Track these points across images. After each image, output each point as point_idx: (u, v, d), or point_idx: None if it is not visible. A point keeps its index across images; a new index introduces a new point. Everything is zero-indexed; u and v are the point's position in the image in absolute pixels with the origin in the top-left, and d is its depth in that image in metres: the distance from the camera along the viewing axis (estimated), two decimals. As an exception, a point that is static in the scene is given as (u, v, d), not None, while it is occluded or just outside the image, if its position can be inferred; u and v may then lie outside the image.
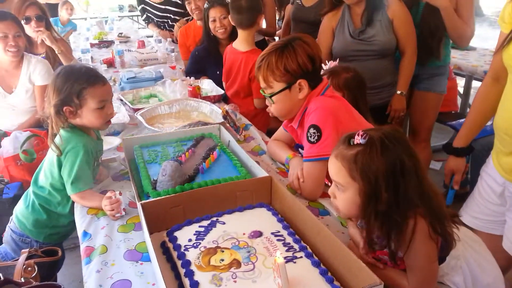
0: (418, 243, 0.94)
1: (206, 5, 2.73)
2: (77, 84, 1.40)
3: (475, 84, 3.72)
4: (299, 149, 1.62)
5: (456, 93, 3.71)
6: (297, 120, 1.50)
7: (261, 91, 1.52)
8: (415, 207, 0.94)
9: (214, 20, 2.67)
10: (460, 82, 3.84)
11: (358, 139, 0.95)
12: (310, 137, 1.39)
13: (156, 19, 3.98)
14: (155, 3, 3.89)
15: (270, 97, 1.45)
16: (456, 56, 3.68)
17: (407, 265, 0.99)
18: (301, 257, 1.03)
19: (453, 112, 3.57)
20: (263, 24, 3.30)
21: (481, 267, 1.05)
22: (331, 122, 1.36)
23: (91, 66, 3.11)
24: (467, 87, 3.73)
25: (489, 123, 2.38)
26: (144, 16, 4.04)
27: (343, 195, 1.00)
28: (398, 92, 2.32)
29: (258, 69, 1.45)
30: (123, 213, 1.35)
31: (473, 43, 4.43)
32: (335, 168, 1.00)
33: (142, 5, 3.98)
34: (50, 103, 1.41)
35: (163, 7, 3.84)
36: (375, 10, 2.19)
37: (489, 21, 8.47)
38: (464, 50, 3.88)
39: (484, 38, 6.81)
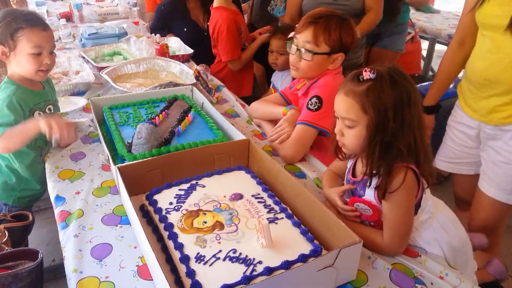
0: (403, 193, 0.98)
1: None
2: (14, 23, 1.33)
3: (438, 47, 3.82)
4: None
5: (420, 56, 3.80)
6: (305, 87, 1.52)
7: (291, 43, 1.48)
8: (414, 143, 0.99)
9: None
10: (424, 46, 3.92)
11: (367, 75, 1.00)
12: (311, 105, 1.44)
13: None
14: None
15: (312, 54, 1.43)
16: (421, 19, 3.74)
17: (385, 217, 1.03)
18: (282, 218, 1.05)
19: (416, 75, 3.67)
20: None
21: (450, 230, 1.12)
22: (333, 102, 1.38)
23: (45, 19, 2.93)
24: (430, 50, 3.82)
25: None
26: None
27: (352, 131, 1.03)
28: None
29: (311, 23, 1.43)
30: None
31: (437, 5, 4.53)
32: (346, 104, 1.03)
33: None
34: None
35: None
36: None
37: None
38: (428, 12, 3.95)
39: (447, 1, 6.94)
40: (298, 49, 1.46)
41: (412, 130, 0.98)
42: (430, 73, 3.94)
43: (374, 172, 1.00)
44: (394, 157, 0.98)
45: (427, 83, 2.90)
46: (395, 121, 0.97)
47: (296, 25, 1.50)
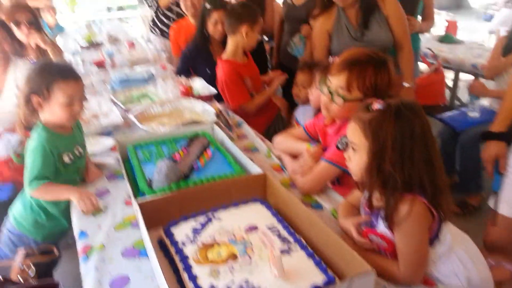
0: (412, 224, 0.98)
1: (207, 6, 2.71)
2: (50, 75, 1.44)
3: (463, 76, 3.79)
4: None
5: (444, 86, 3.77)
6: (336, 126, 1.50)
7: (325, 87, 1.43)
8: (418, 180, 0.98)
9: (216, 23, 2.68)
10: (449, 75, 3.90)
11: (376, 105, 1.04)
12: (340, 144, 1.40)
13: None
14: None
15: (344, 100, 1.38)
16: (443, 50, 3.74)
17: (398, 248, 1.02)
18: (296, 249, 1.05)
19: (441, 105, 3.63)
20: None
21: (470, 265, 1.08)
22: None
23: (77, 67, 3.13)
24: (455, 80, 3.79)
25: (472, 114, 2.44)
26: None
27: (356, 156, 1.08)
28: (407, 84, 2.34)
29: (346, 68, 1.37)
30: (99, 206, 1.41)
31: (460, 36, 4.52)
32: (352, 129, 1.09)
33: None
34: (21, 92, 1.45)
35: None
36: (370, 10, 2.20)
37: (477, 14, 8.56)
38: (451, 43, 3.94)
39: (472, 31, 6.89)
40: (330, 92, 1.41)
41: (414, 163, 0.98)
42: (457, 102, 3.89)
43: (374, 201, 1.01)
44: (393, 187, 0.98)
45: (452, 112, 2.87)
46: (394, 151, 0.98)
47: (332, 64, 1.47)
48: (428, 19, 2.77)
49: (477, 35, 6.29)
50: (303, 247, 1.06)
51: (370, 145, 1.02)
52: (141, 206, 1.19)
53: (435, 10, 3.02)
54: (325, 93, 1.44)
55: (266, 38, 3.75)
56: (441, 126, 2.82)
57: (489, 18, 6.99)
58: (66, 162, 1.51)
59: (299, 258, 1.02)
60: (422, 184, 0.99)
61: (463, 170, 2.64)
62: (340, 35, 2.27)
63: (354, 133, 1.07)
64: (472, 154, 2.41)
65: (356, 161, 1.08)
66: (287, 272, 0.95)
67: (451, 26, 4.30)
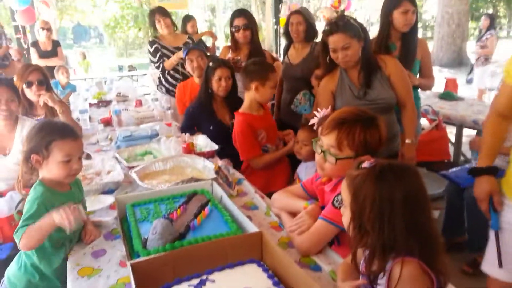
0: (406, 287, 0.95)
1: (211, 64, 2.85)
2: (48, 135, 1.48)
3: (466, 132, 3.81)
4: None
5: (447, 142, 3.79)
6: (332, 184, 1.51)
7: (318, 147, 1.48)
8: (402, 245, 0.97)
9: (220, 79, 2.80)
10: (453, 131, 3.92)
11: (365, 164, 1.06)
12: (336, 202, 1.41)
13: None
14: (169, 46, 3.88)
15: (336, 159, 1.42)
16: (444, 107, 3.80)
17: None
18: (291, 314, 1.02)
19: (446, 161, 3.63)
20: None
21: None
22: None
23: (84, 124, 3.21)
24: (458, 136, 3.81)
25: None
26: (158, 54, 3.87)
27: (346, 211, 1.10)
28: (408, 141, 2.37)
29: (335, 128, 1.42)
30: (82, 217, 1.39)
31: (462, 91, 4.61)
32: (343, 184, 1.12)
33: (156, 45, 3.88)
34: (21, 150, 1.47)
35: (177, 51, 3.80)
36: (372, 71, 2.27)
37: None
38: (452, 100, 4.01)
39: (472, 87, 7.03)
40: (322, 151, 1.46)
41: (395, 227, 0.97)
42: (462, 158, 3.87)
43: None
44: (374, 249, 0.98)
45: (456, 168, 2.85)
46: (372, 213, 0.99)
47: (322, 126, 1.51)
48: (428, 77, 2.84)
49: (475, 92, 6.40)
50: (298, 312, 1.02)
51: (351, 203, 1.04)
52: (134, 267, 1.17)
53: (438, 67, 3.11)
54: (318, 152, 1.47)
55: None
56: (447, 183, 2.79)
57: (471, 81, 7.19)
58: None
59: (294, 325, 0.98)
60: (410, 248, 0.97)
61: (471, 227, 2.57)
62: (344, 94, 2.34)
63: (343, 189, 1.10)
64: (479, 210, 2.36)
65: (345, 217, 1.10)
66: None
67: (451, 84, 4.40)
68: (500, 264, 1.31)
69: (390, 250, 0.98)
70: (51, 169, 1.49)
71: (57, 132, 1.50)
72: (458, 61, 11.46)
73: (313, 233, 1.44)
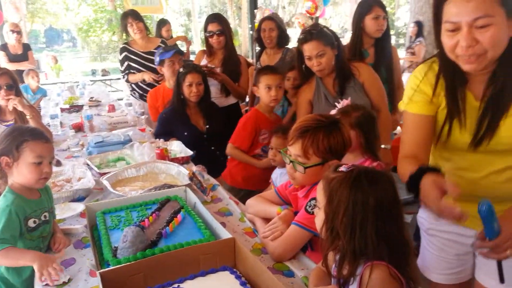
0: None
1: (181, 70, 2.84)
2: (20, 136, 1.46)
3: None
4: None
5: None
6: (305, 190, 1.51)
7: (286, 157, 1.48)
8: (372, 251, 0.98)
9: (191, 85, 2.77)
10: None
11: (342, 168, 1.07)
12: (309, 207, 1.42)
13: (139, 67, 3.82)
14: (140, 51, 3.84)
15: (304, 168, 1.42)
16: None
17: None
18: (263, 321, 1.01)
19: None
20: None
21: None
22: None
23: (55, 130, 3.13)
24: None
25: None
26: (125, 65, 3.83)
27: (319, 213, 1.11)
28: (384, 146, 2.41)
29: (299, 137, 1.43)
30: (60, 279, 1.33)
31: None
32: (319, 186, 1.12)
33: (125, 53, 3.83)
34: None
35: (148, 56, 3.79)
36: (346, 78, 2.31)
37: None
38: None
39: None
40: (291, 161, 1.47)
41: (366, 233, 0.98)
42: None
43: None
44: (344, 253, 1.00)
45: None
46: (345, 217, 1.00)
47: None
48: (398, 85, 2.90)
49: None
50: (270, 319, 1.02)
51: (325, 205, 1.05)
52: (104, 276, 1.14)
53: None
54: (287, 162, 1.49)
55: (244, 102, 3.86)
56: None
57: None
58: (31, 227, 1.47)
59: (266, 332, 0.98)
60: (380, 253, 0.98)
61: None
62: (320, 103, 2.37)
63: (319, 191, 1.10)
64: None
65: (319, 219, 1.10)
66: None
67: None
68: (502, 280, 1.21)
69: (361, 255, 0.99)
70: (22, 171, 1.45)
71: (28, 134, 1.47)
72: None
73: (287, 239, 1.44)
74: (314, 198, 1.41)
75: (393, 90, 2.78)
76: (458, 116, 1.28)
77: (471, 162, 1.32)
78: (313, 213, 1.39)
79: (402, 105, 1.39)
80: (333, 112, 2.01)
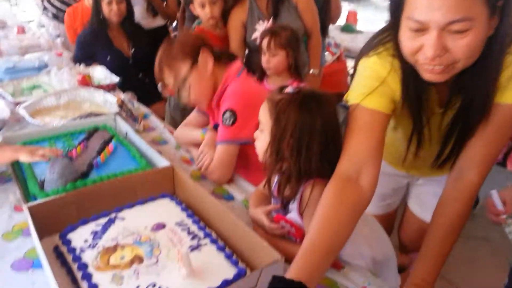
0: (314, 207, 0.99)
1: None
2: None
3: (363, 64, 4.01)
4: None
5: (346, 74, 3.97)
6: (215, 99, 1.48)
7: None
8: (315, 171, 1.01)
9: (110, 3, 2.51)
10: (350, 64, 4.11)
11: (288, 89, 1.04)
12: (226, 120, 1.41)
13: None
14: None
15: (183, 83, 1.43)
16: (345, 39, 3.94)
17: (306, 231, 1.03)
18: (206, 243, 1.02)
19: (344, 92, 3.82)
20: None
21: (375, 245, 1.13)
22: (248, 106, 1.38)
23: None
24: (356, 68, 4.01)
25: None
26: None
27: (262, 135, 1.08)
28: (313, 71, 2.41)
29: (159, 72, 1.47)
30: None
31: (360, 26, 4.80)
32: (262, 107, 1.08)
33: None
34: None
35: None
36: (279, 0, 2.23)
37: (375, 5, 9.21)
38: (352, 33, 4.16)
39: (371, 21, 7.38)
40: None
41: (311, 155, 1.00)
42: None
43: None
44: (289, 174, 1.02)
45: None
46: (292, 138, 1.00)
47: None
48: (336, 9, 2.87)
49: (376, 26, 6.74)
50: (213, 241, 1.03)
51: (272, 127, 1.03)
52: (32, 210, 1.06)
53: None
54: None
55: (174, 25, 3.62)
56: (345, 113, 2.96)
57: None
58: None
59: (210, 253, 0.99)
60: (322, 172, 1.01)
61: None
62: (254, 25, 2.26)
63: (263, 112, 1.07)
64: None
65: (261, 141, 1.08)
66: (197, 269, 0.91)
67: (351, 16, 4.53)
68: None
69: (305, 176, 1.01)
70: None
71: None
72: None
73: (218, 161, 1.44)
74: (228, 111, 1.41)
75: (328, 12, 2.74)
76: (419, 130, 1.06)
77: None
78: (231, 125, 1.40)
79: (354, 98, 1.01)
80: (256, 34, 1.97)
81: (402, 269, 1.35)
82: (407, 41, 0.88)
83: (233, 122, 1.40)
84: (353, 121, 1.00)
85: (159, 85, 2.55)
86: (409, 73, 0.96)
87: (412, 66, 0.93)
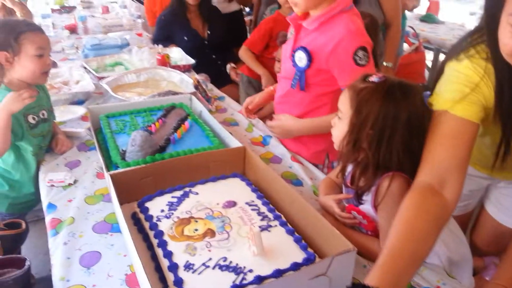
0: (392, 200, 0.96)
1: None
2: (17, 27, 1.35)
3: (443, 57, 3.79)
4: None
5: (424, 66, 3.77)
6: (316, 21, 1.34)
7: None
8: (396, 164, 0.96)
9: None
10: (429, 57, 3.90)
11: (372, 78, 1.00)
12: (360, 60, 1.30)
13: None
14: None
15: None
16: (425, 30, 3.73)
17: (380, 225, 1.00)
18: (276, 225, 1.02)
19: (421, 85, 3.64)
20: None
21: (452, 246, 1.07)
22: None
23: (50, 31, 2.95)
24: (435, 60, 3.80)
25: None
26: None
27: (340, 124, 1.05)
28: (385, 63, 2.32)
29: None
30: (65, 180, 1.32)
31: (441, 16, 4.52)
32: (342, 95, 1.05)
33: None
34: None
35: None
36: None
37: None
38: (432, 23, 3.93)
39: (452, 12, 6.94)
40: None
41: (392, 148, 0.95)
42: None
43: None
44: (366, 166, 0.98)
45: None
46: (373, 130, 0.96)
47: None
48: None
49: (458, 17, 6.34)
50: (283, 224, 1.03)
51: (352, 116, 0.99)
52: (114, 178, 1.13)
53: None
54: None
55: (247, 10, 3.65)
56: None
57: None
58: (32, 123, 1.42)
59: (279, 235, 0.99)
60: (402, 167, 0.96)
61: None
62: None
63: (343, 101, 1.04)
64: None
65: (339, 130, 1.05)
66: (266, 249, 0.92)
67: (433, 6, 4.28)
68: None
69: (383, 168, 0.98)
70: (25, 65, 1.35)
71: (24, 25, 1.36)
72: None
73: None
74: (361, 48, 1.29)
75: None
76: (509, 138, 0.98)
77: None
78: (364, 65, 1.30)
79: (442, 104, 0.93)
80: None
81: (474, 272, 1.27)
82: (509, 39, 0.79)
83: (366, 62, 1.31)
84: (439, 128, 0.92)
85: (228, 67, 2.61)
86: (504, 79, 0.88)
87: (507, 70, 0.86)
